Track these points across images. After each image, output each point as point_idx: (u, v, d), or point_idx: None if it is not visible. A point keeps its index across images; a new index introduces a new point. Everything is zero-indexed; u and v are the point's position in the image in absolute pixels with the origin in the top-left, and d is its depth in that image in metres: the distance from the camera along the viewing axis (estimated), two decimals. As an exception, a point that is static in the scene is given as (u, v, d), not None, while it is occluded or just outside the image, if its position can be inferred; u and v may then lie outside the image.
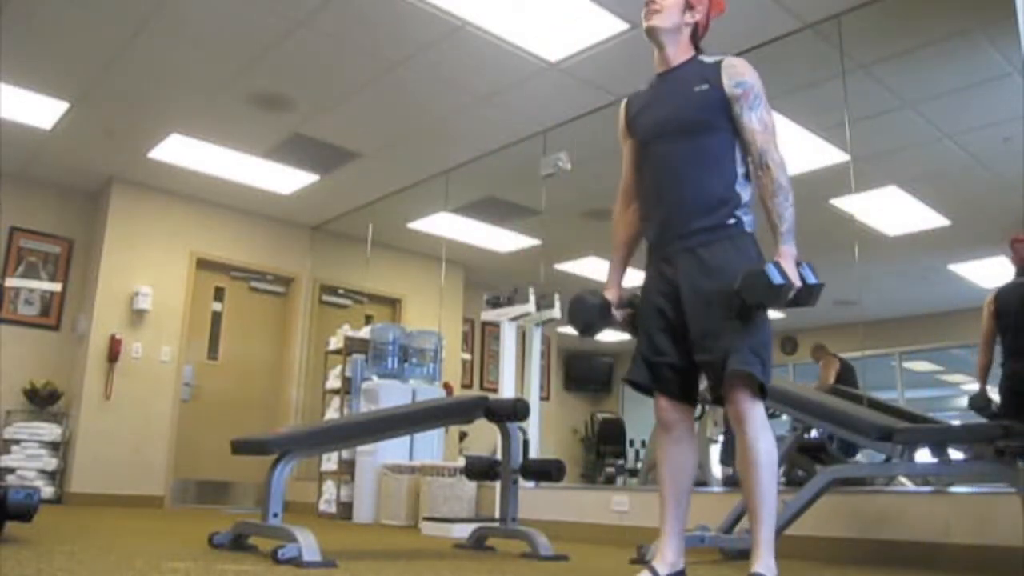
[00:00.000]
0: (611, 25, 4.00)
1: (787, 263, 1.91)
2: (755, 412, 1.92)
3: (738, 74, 2.04)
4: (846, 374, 5.49)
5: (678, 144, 2.09)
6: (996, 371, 4.08)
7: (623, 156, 2.31)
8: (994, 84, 4.35)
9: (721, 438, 6.10)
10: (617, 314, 2.24)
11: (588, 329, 2.26)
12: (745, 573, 1.88)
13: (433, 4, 3.91)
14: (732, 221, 2.02)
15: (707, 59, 2.13)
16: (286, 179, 6.29)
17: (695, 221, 2.02)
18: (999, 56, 4.05)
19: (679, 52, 2.15)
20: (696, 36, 2.18)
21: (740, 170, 2.06)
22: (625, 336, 2.28)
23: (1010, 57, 3.95)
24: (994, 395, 4.11)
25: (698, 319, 1.98)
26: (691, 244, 2.02)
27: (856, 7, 3.80)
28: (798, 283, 1.90)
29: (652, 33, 2.16)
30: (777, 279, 1.86)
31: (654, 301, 2.09)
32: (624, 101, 2.31)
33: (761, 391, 1.93)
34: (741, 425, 1.93)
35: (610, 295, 2.25)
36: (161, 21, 4.14)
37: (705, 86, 2.05)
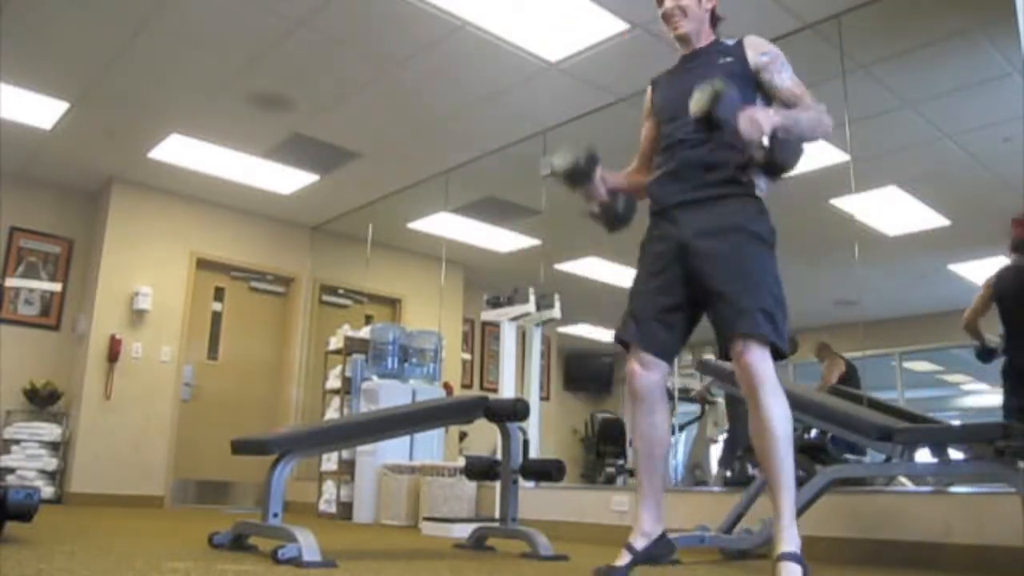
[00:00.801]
0: (611, 25, 4.00)
1: (758, 111, 1.92)
2: (766, 374, 1.88)
3: (762, 45, 2.16)
4: (850, 376, 5.48)
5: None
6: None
7: (643, 132, 2.37)
8: (994, 84, 4.35)
9: (722, 438, 6.09)
10: (601, 184, 2.21)
11: (574, 167, 2.17)
12: (754, 565, 1.87)
13: (433, 4, 3.91)
14: (745, 180, 2.05)
15: (728, 41, 2.24)
16: (286, 179, 6.29)
17: (708, 175, 2.06)
18: (999, 56, 4.05)
19: (702, 39, 2.25)
20: (715, 20, 2.27)
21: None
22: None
23: (1010, 57, 3.95)
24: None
25: (706, 276, 2.00)
26: (700, 196, 2.05)
27: (856, 7, 3.80)
28: (757, 126, 1.88)
29: (683, 39, 2.24)
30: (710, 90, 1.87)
31: (652, 262, 2.13)
32: (650, 82, 2.38)
33: (775, 353, 1.91)
34: (752, 390, 1.88)
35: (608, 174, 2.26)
36: (161, 21, 4.14)
37: (729, 59, 2.15)
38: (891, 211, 5.77)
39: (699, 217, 2.05)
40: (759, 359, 1.88)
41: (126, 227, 6.33)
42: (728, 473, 5.86)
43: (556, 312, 4.93)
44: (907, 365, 7.63)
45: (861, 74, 4.21)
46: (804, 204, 5.18)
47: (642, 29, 3.99)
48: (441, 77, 4.63)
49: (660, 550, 2.04)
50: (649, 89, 2.38)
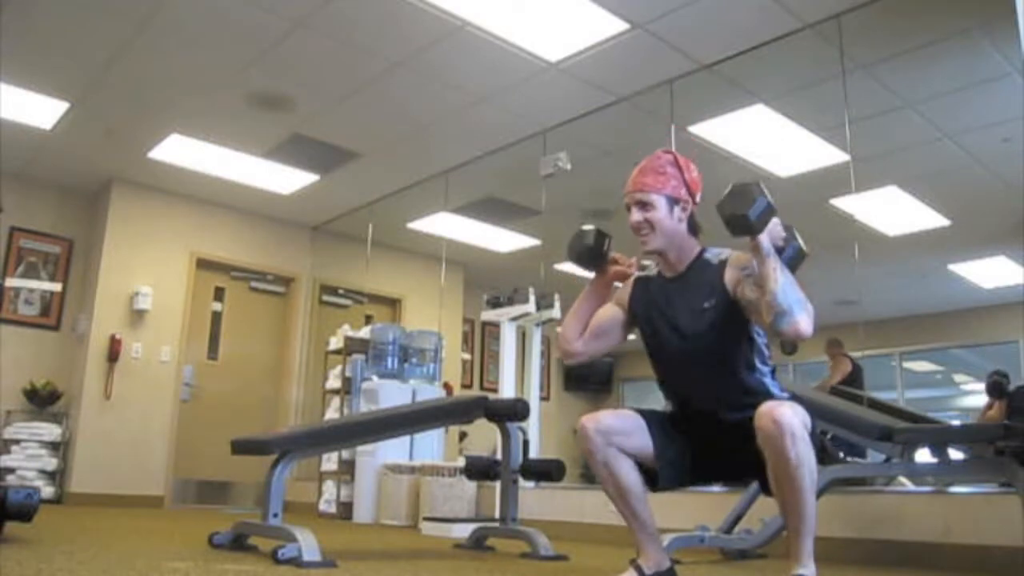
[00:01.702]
0: (611, 25, 3.99)
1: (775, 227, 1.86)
2: (796, 424, 1.74)
3: (743, 261, 1.94)
4: (856, 376, 5.47)
5: (697, 370, 2.01)
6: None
7: (603, 312, 2.17)
8: (994, 84, 4.35)
9: None
10: (612, 263, 2.15)
11: (597, 245, 2.12)
12: (754, 565, 1.87)
13: (433, 4, 3.91)
14: (763, 392, 1.98)
15: (712, 258, 2.02)
16: (286, 179, 6.29)
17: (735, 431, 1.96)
18: (999, 56, 4.05)
19: (682, 255, 2.04)
20: (693, 226, 2.04)
21: (765, 369, 2.01)
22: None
23: (1010, 57, 3.95)
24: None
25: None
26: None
27: (856, 7, 3.80)
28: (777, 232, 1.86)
29: (657, 255, 2.06)
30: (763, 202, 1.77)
31: (675, 423, 2.06)
32: (633, 278, 2.17)
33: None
34: (779, 439, 1.72)
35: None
36: (161, 21, 4.14)
37: (712, 301, 1.96)
38: (891, 211, 5.77)
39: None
40: (790, 412, 1.75)
41: (126, 227, 6.33)
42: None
43: (556, 312, 4.93)
44: (907, 365, 7.65)
45: (861, 74, 4.21)
46: (804, 204, 5.17)
47: (642, 29, 3.99)
48: (441, 77, 4.63)
49: None
50: (631, 284, 2.16)
